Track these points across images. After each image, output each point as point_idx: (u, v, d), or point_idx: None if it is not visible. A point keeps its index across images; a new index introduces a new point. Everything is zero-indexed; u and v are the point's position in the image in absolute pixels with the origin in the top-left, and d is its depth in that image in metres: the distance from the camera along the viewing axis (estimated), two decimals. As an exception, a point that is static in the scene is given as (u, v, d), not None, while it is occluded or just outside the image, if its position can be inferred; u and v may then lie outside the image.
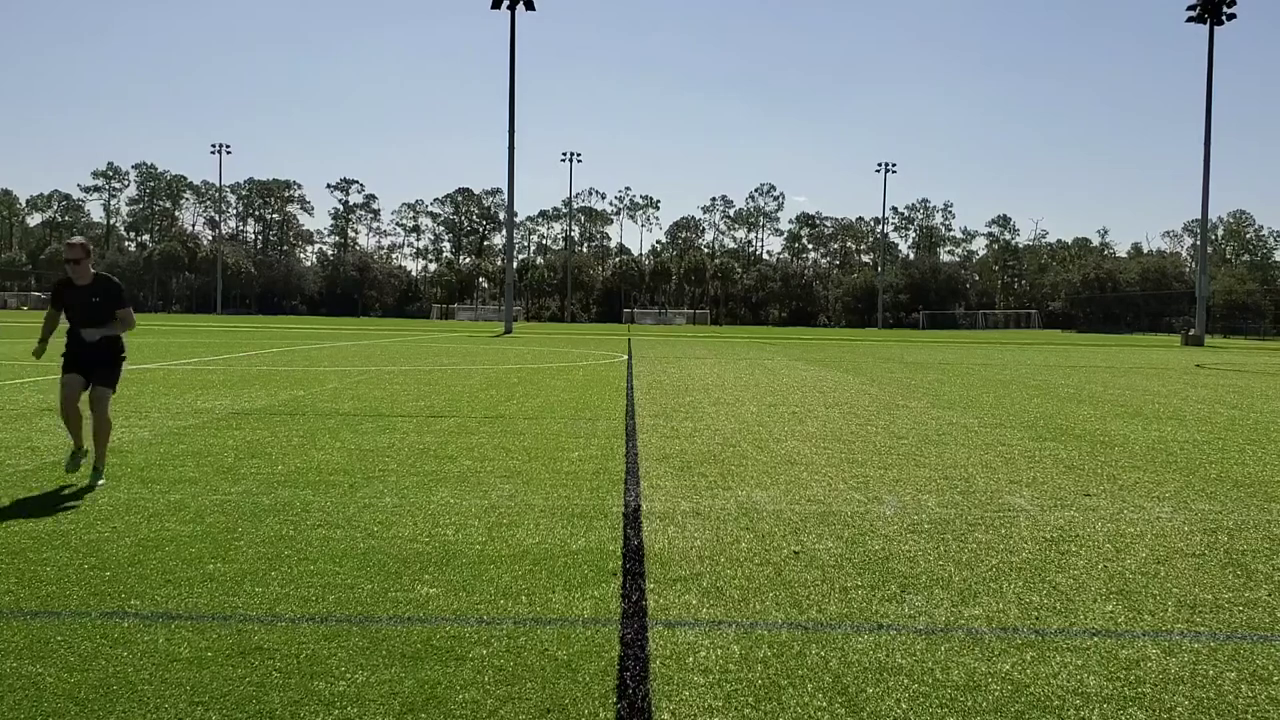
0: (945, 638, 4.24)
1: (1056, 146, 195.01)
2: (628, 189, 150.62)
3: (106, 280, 7.39)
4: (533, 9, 57.15)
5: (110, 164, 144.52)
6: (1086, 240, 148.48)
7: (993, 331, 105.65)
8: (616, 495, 7.17)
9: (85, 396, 7.30)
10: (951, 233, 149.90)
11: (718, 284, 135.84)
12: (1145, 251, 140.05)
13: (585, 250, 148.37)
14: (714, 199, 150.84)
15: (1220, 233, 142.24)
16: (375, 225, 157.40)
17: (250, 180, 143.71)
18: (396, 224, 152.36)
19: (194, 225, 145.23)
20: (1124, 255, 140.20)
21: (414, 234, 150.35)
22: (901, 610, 4.61)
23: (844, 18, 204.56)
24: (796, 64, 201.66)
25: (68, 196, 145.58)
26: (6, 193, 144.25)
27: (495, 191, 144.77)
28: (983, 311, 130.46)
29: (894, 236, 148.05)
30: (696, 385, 17.56)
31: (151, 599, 4.55)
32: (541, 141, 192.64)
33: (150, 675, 3.67)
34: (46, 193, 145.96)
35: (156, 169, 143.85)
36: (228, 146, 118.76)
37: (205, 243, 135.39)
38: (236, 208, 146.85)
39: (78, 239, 7.49)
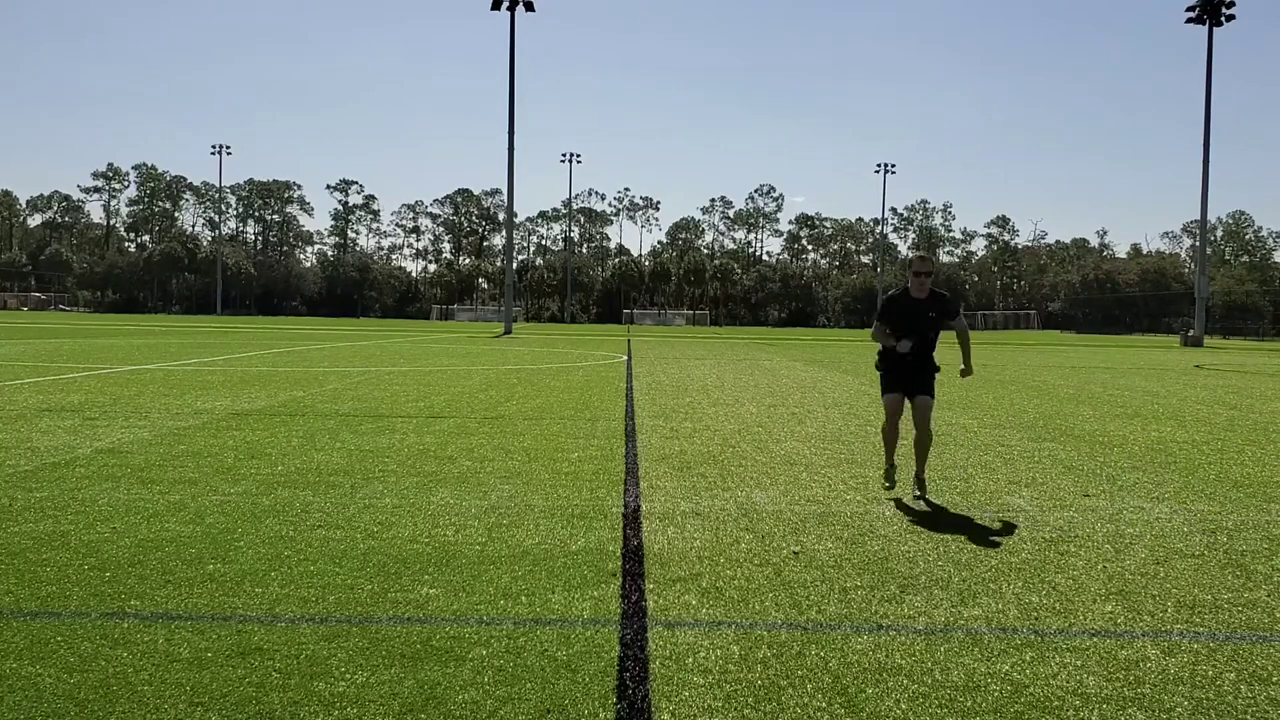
0: (945, 638, 4.24)
1: (1056, 146, 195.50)
2: (627, 189, 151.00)
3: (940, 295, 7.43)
4: (532, 10, 57.23)
5: (110, 164, 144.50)
6: (1085, 241, 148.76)
7: (992, 332, 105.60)
8: (616, 495, 7.17)
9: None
10: (951, 233, 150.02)
11: (717, 285, 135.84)
12: (1144, 252, 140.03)
13: (585, 251, 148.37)
14: (713, 200, 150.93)
15: (1219, 234, 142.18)
16: (375, 226, 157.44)
17: (250, 181, 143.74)
18: (396, 225, 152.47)
19: (194, 226, 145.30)
20: (1123, 256, 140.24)
21: (414, 235, 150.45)
22: (901, 610, 4.61)
23: (844, 18, 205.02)
24: (797, 64, 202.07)
25: (68, 197, 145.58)
26: (6, 193, 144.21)
27: (495, 192, 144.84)
28: (982, 312, 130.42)
29: (893, 237, 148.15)
30: (696, 386, 17.57)
31: (151, 599, 4.55)
32: (541, 141, 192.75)
33: (150, 676, 3.67)
34: (46, 193, 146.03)
35: (156, 169, 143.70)
36: (228, 147, 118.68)
37: (205, 243, 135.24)
38: (236, 208, 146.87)
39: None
